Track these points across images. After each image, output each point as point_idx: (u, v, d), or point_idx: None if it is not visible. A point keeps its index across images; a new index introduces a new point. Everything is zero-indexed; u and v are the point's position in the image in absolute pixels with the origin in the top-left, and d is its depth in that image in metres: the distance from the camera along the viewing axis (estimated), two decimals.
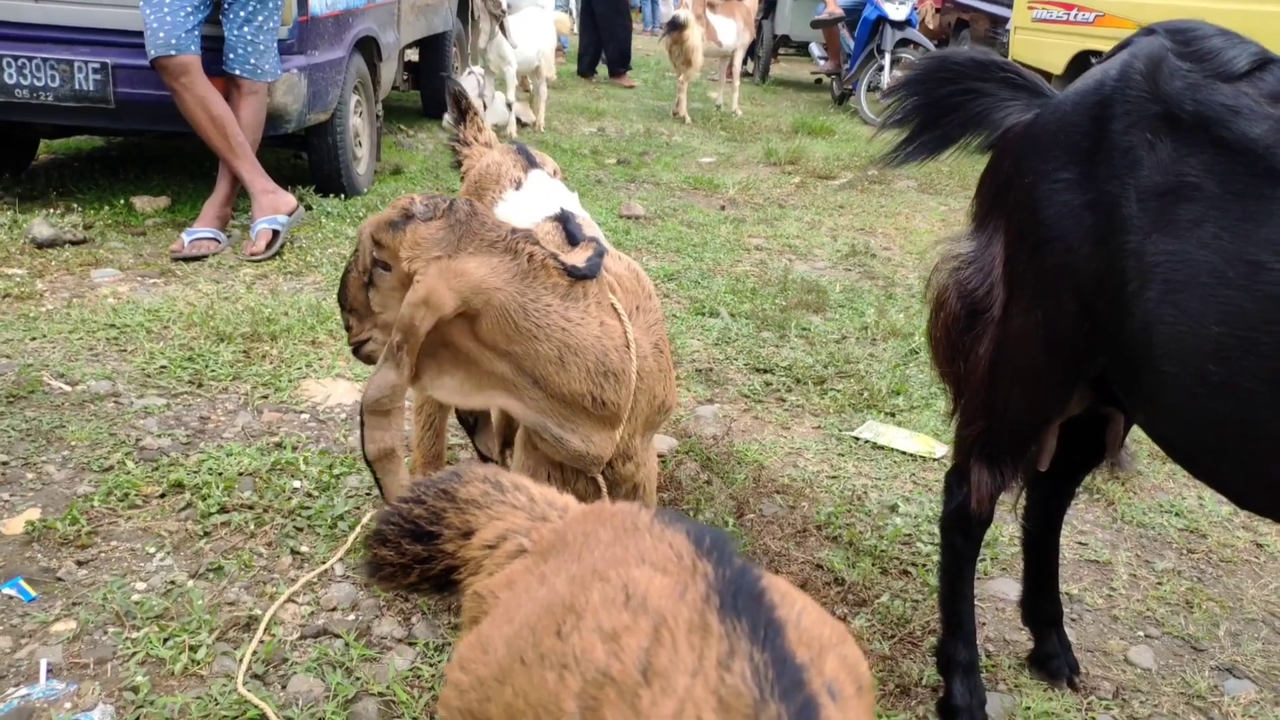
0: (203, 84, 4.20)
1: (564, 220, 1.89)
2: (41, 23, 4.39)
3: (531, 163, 2.16)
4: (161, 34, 4.08)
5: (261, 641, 1.95)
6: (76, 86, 4.37)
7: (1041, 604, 2.15)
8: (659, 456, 2.95)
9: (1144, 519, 2.81)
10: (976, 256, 1.80)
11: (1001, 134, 1.77)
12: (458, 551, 0.87)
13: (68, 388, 2.92)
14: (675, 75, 9.48)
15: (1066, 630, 2.29)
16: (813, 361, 3.69)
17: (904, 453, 3.09)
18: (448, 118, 2.28)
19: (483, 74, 7.28)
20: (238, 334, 3.34)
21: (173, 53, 4.10)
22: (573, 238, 1.85)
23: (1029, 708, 2.04)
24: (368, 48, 5.69)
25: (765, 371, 3.63)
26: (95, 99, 4.40)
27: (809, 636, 0.65)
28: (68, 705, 1.76)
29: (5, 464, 2.49)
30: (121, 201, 4.81)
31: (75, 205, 4.67)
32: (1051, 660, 2.14)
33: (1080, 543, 2.69)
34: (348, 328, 1.75)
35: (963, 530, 1.97)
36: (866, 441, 3.16)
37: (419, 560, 0.89)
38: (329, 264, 4.19)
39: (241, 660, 1.90)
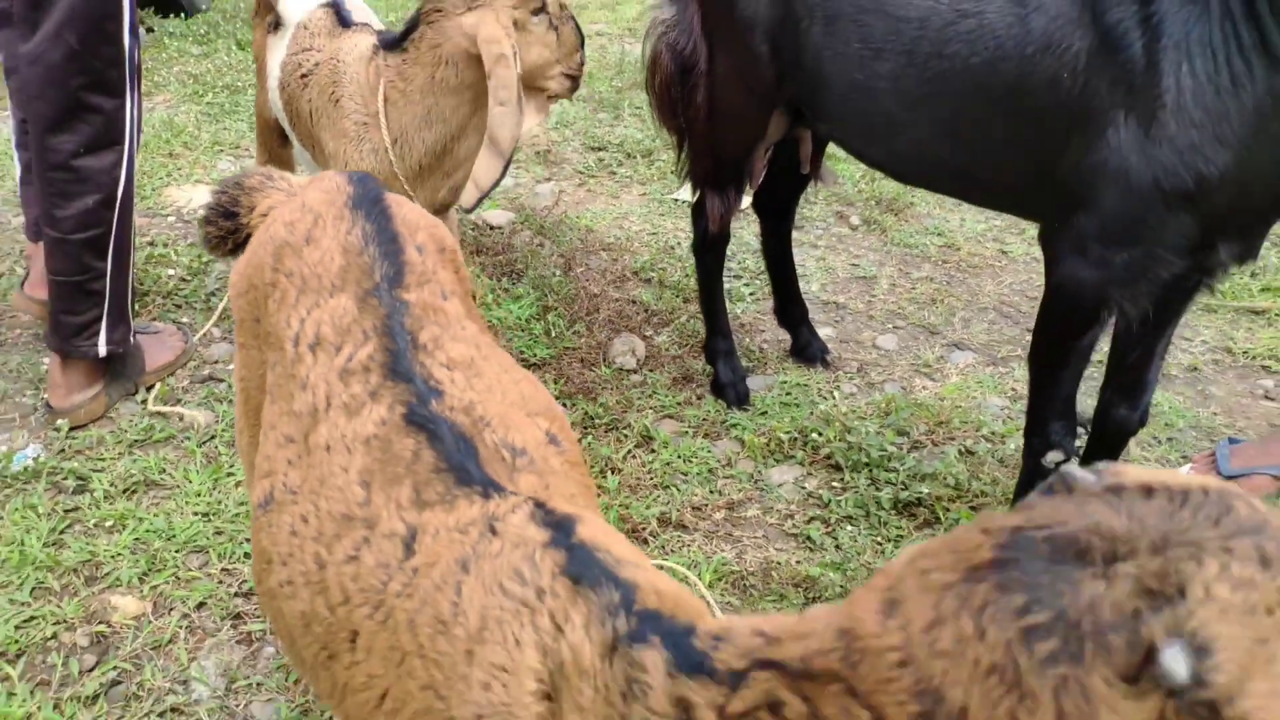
0: None
1: (335, 6, 2.31)
2: None
3: None
4: None
5: (162, 383, 2.44)
6: None
7: (789, 308, 2.74)
8: (497, 228, 3.44)
9: (909, 240, 3.42)
10: (679, 19, 2.26)
11: None
12: (251, 221, 1.35)
13: None
14: None
15: (829, 330, 2.91)
16: (642, 137, 4.15)
17: None
18: None
19: None
20: None
21: None
22: (344, 21, 2.28)
23: (786, 381, 2.66)
24: None
25: (599, 150, 4.09)
26: None
27: (408, 222, 1.16)
28: (3, 449, 2.24)
29: None
30: None
31: None
32: (806, 348, 2.75)
33: (853, 264, 3.30)
34: None
35: (710, 249, 2.52)
36: (684, 202, 3.67)
37: (231, 231, 1.37)
38: (176, 82, 4.44)
39: (146, 402, 2.39)
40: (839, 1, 1.90)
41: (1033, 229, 3.43)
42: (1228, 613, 0.47)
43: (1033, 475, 1.95)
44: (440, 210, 2.38)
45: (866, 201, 3.66)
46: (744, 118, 2.23)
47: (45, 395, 2.34)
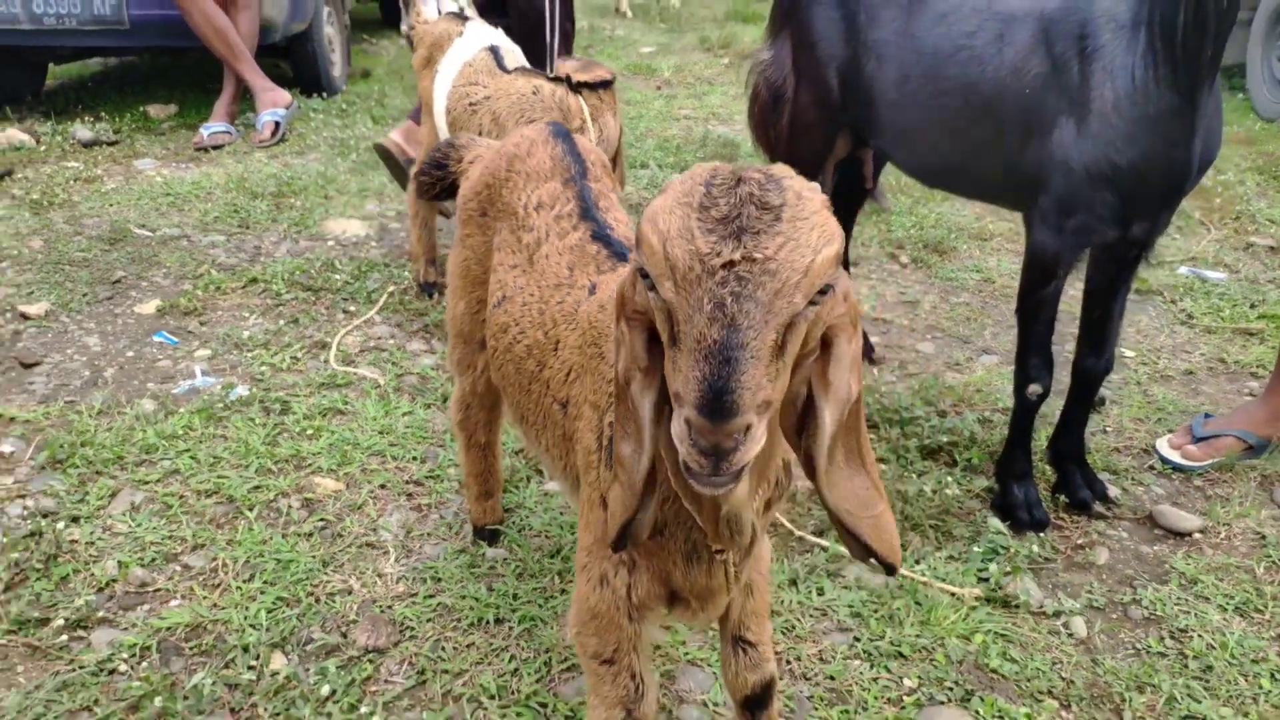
0: (207, 1, 5.22)
1: (493, 51, 3.06)
2: None
3: (464, 19, 3.32)
4: None
5: (338, 350, 3.13)
6: (95, 11, 5.36)
7: None
8: None
9: (951, 275, 4.02)
10: (775, 59, 2.95)
11: None
12: (457, 169, 2.02)
13: (150, 233, 4.04)
14: None
15: (876, 338, 3.50)
16: None
17: None
18: (404, 25, 3.60)
19: None
20: (267, 193, 4.46)
21: None
22: (500, 63, 3.02)
23: None
24: None
25: None
26: (112, 21, 5.40)
27: (585, 148, 1.80)
28: (219, 387, 2.93)
29: (125, 276, 3.63)
30: (139, 110, 5.86)
31: (102, 115, 5.71)
32: None
33: (901, 292, 3.89)
34: None
35: None
36: None
37: (440, 179, 2.04)
38: (325, 145, 5.29)
39: (327, 360, 3.07)
40: (886, 41, 2.57)
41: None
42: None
43: (1020, 405, 2.51)
44: None
45: (915, 244, 4.27)
46: (817, 135, 2.87)
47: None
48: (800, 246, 0.93)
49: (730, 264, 0.91)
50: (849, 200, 3.21)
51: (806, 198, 0.97)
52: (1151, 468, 2.80)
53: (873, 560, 1.17)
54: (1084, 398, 2.57)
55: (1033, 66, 2.24)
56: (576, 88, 3.04)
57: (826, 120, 2.84)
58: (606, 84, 3.07)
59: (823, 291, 0.96)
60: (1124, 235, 2.27)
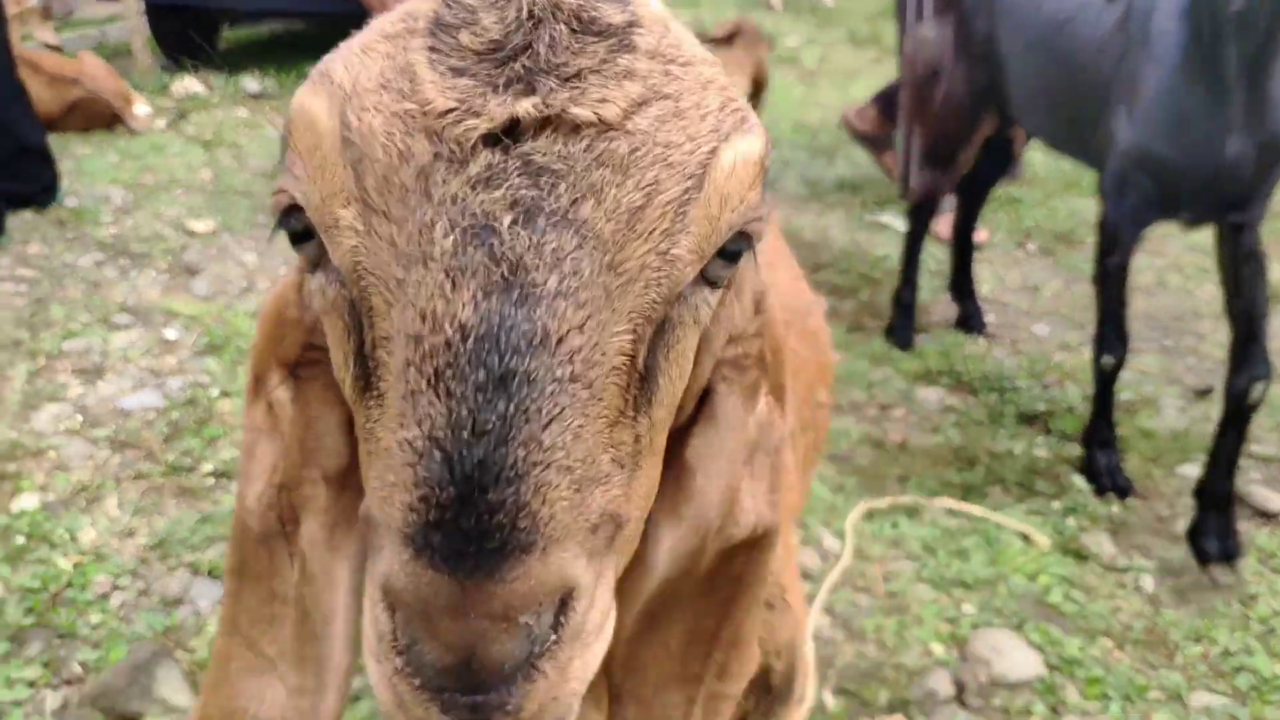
0: None
1: None
2: None
3: None
4: None
5: None
6: None
7: (961, 281, 3.47)
8: None
9: (1076, 265, 4.08)
10: (938, 38, 3.14)
11: None
12: None
13: None
14: None
15: (992, 318, 3.60)
16: (853, 175, 5.00)
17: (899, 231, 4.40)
18: None
19: None
20: None
21: None
22: None
23: (947, 342, 3.37)
24: None
25: (814, 183, 4.95)
26: None
27: None
28: None
29: None
30: (303, 69, 6.34)
31: (269, 72, 6.22)
32: (970, 318, 3.47)
33: (1023, 278, 3.98)
34: None
35: (916, 215, 3.33)
36: (882, 224, 4.47)
37: None
38: None
39: None
40: (1014, 18, 2.74)
41: (1191, 265, 4.04)
42: None
43: (1098, 375, 2.60)
44: None
45: (1044, 234, 4.34)
46: (964, 109, 3.04)
47: None
48: (685, 114, 0.48)
49: (513, 128, 0.47)
50: (986, 176, 3.36)
51: (682, 36, 0.54)
52: (1252, 454, 2.84)
53: None
54: (1236, 427, 2.35)
55: (1113, 46, 2.37)
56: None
57: (975, 97, 3.01)
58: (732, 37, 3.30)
59: (741, 241, 0.50)
60: (1190, 221, 2.38)
